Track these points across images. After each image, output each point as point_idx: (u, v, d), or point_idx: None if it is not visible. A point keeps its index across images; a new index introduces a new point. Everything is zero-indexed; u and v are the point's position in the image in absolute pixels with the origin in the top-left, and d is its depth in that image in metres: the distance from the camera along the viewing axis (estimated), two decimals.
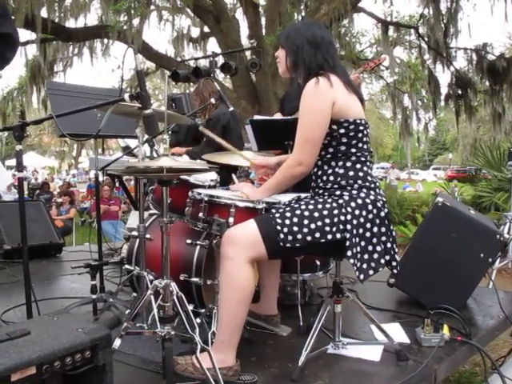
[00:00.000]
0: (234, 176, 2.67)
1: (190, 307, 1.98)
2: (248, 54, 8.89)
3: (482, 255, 2.78)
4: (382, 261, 2.02)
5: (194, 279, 2.49)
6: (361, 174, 2.04)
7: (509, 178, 6.82)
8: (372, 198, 2.02)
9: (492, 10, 10.33)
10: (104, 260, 2.98)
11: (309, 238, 1.93)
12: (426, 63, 12.56)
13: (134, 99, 1.95)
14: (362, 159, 2.06)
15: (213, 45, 11.41)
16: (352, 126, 2.03)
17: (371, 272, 1.99)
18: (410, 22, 12.76)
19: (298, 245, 1.93)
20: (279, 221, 1.94)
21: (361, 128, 2.05)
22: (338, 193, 2.03)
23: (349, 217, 1.94)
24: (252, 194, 2.17)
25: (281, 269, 2.56)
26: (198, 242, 2.49)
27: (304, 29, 2.12)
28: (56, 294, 3.24)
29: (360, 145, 2.06)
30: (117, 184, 9.72)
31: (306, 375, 2.02)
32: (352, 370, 2.12)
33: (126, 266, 2.74)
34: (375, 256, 2.00)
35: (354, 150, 2.04)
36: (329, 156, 2.08)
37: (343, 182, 2.03)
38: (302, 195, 2.16)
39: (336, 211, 1.96)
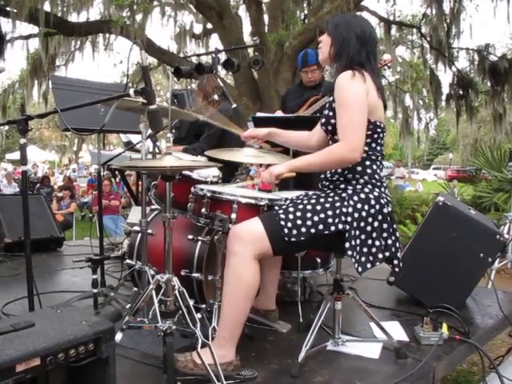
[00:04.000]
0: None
1: (191, 302, 1.99)
2: (250, 51, 8.86)
3: (481, 255, 2.79)
4: (380, 255, 2.02)
5: (195, 275, 2.50)
6: (369, 170, 2.06)
7: (509, 178, 6.81)
8: (376, 194, 2.03)
9: (495, 11, 10.33)
10: (105, 254, 2.98)
11: (312, 231, 1.95)
12: (428, 63, 12.56)
13: (139, 94, 1.95)
14: (373, 157, 2.08)
15: (215, 41, 11.42)
16: (371, 127, 2.03)
17: (369, 265, 2.00)
18: (413, 22, 12.72)
19: (302, 238, 1.94)
20: (283, 216, 1.97)
21: (378, 130, 2.06)
22: (342, 186, 2.05)
23: (350, 209, 1.96)
24: (279, 167, 2.08)
25: (281, 265, 2.57)
26: (200, 238, 2.49)
27: (354, 22, 2.10)
28: (57, 288, 3.24)
29: (373, 145, 2.07)
30: (117, 179, 9.77)
31: (306, 371, 2.04)
32: (351, 366, 2.13)
33: (127, 261, 2.74)
34: (373, 250, 2.01)
35: (366, 149, 2.04)
36: None
37: (349, 176, 2.05)
38: (304, 193, 2.17)
39: (338, 203, 1.98)
